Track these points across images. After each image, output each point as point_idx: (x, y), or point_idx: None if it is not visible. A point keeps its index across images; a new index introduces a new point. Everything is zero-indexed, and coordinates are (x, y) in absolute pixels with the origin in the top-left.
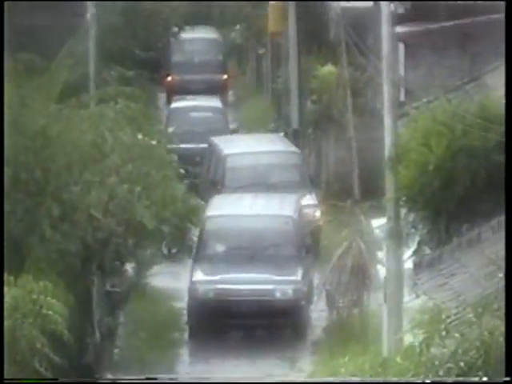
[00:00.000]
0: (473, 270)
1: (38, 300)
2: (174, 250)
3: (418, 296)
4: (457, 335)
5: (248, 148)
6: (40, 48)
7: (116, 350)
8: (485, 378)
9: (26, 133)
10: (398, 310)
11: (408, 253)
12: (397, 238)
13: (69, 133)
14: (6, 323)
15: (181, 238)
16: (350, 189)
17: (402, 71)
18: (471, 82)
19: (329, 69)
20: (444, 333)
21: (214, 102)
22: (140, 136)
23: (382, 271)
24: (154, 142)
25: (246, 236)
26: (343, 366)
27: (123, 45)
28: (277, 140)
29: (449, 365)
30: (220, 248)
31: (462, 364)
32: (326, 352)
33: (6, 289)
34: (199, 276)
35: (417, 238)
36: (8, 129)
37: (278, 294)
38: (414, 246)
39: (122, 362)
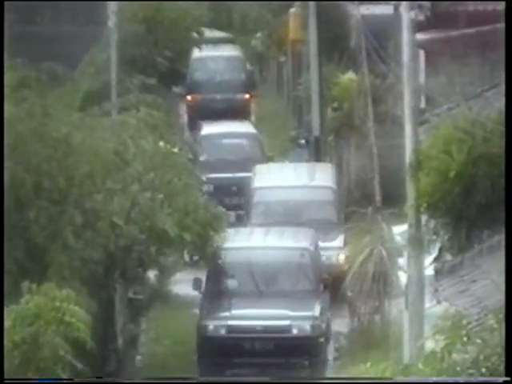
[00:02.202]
0: (494, 276)
1: (61, 307)
2: (195, 258)
3: (439, 302)
4: (478, 341)
5: (279, 181)
6: (62, 57)
7: (138, 357)
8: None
9: (48, 141)
10: (420, 317)
11: (429, 259)
12: (418, 244)
13: (91, 141)
14: (29, 330)
15: (202, 245)
16: (371, 196)
17: (422, 78)
18: (492, 89)
19: (349, 76)
20: (465, 339)
21: (248, 127)
22: (162, 144)
23: (403, 278)
24: (175, 150)
25: (260, 269)
26: (365, 372)
27: (145, 53)
28: (319, 172)
29: (470, 371)
30: (231, 282)
31: (483, 370)
32: (347, 358)
33: (28, 296)
34: (209, 312)
35: (438, 245)
36: (31, 137)
37: (295, 331)
38: (435, 253)
39: (144, 368)
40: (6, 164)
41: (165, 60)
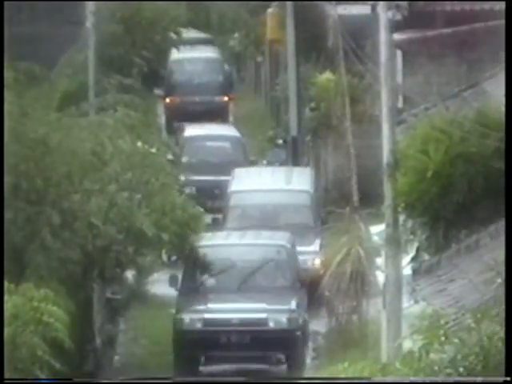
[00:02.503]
0: (471, 275)
1: (39, 307)
2: (173, 258)
3: (416, 302)
4: (456, 341)
5: (256, 185)
6: (40, 57)
7: (116, 357)
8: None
9: (26, 142)
10: (397, 316)
11: (407, 259)
12: (395, 244)
13: (68, 141)
14: (7, 330)
15: (180, 245)
16: (348, 196)
17: (399, 78)
18: (469, 89)
19: (327, 76)
20: (443, 338)
21: (231, 130)
22: (139, 144)
23: (380, 277)
24: (153, 150)
25: (237, 266)
26: (343, 372)
27: (122, 53)
28: (297, 176)
29: (448, 370)
30: (208, 278)
31: (461, 369)
32: (325, 358)
33: (6, 296)
34: (185, 305)
35: (415, 245)
36: (8, 138)
37: (271, 324)
38: (412, 253)
39: (122, 368)
40: None
41: (143, 61)
